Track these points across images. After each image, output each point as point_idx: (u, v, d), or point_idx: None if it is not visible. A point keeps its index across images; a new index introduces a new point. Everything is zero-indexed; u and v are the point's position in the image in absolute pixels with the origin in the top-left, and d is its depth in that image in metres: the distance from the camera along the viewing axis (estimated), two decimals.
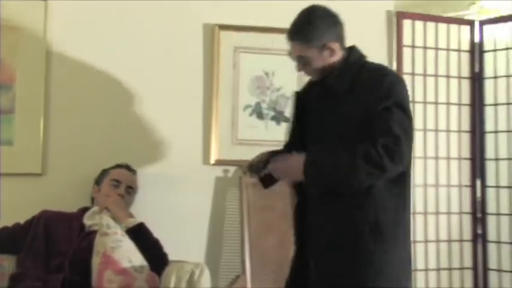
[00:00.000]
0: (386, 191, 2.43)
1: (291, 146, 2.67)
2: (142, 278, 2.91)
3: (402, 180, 2.46)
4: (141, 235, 3.10)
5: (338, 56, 2.51)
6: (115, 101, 3.61)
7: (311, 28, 2.47)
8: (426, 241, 3.89)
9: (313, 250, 2.52)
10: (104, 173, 3.38)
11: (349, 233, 2.42)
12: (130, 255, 2.94)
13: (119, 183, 3.31)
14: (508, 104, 3.97)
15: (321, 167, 2.39)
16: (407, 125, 2.40)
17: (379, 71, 2.52)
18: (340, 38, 2.53)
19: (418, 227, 3.87)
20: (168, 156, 3.63)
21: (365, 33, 3.57)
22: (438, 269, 3.91)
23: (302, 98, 2.68)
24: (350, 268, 2.42)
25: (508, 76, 3.99)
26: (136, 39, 3.65)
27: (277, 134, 3.69)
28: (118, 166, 3.39)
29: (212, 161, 3.67)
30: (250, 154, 3.62)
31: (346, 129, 2.42)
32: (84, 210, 3.24)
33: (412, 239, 3.73)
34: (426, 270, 3.87)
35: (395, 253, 2.45)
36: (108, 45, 3.60)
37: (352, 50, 2.56)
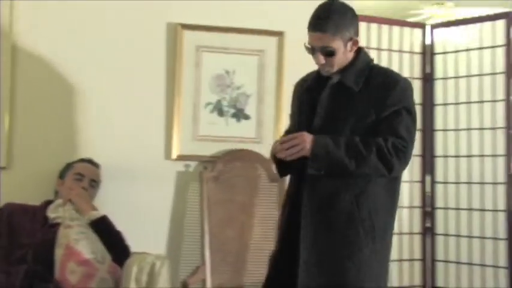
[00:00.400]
0: (381, 192, 2.43)
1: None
2: (104, 269, 2.94)
3: (395, 183, 2.49)
4: (104, 227, 3.12)
5: (352, 53, 2.49)
6: (79, 96, 3.61)
7: (341, 19, 2.39)
8: None
9: (306, 248, 2.42)
10: (68, 166, 3.38)
11: (344, 232, 2.39)
12: (92, 247, 2.97)
13: (82, 176, 3.32)
14: (456, 103, 4.09)
15: (330, 146, 2.34)
16: (413, 130, 2.44)
17: (392, 75, 2.52)
18: (357, 31, 2.49)
19: None
20: (131, 151, 3.64)
21: None
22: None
23: (301, 91, 2.62)
24: (342, 267, 2.38)
25: (456, 77, 4.10)
26: (100, 36, 3.65)
27: (237, 131, 3.76)
28: (81, 160, 3.41)
29: (174, 156, 3.70)
30: (210, 150, 3.72)
31: (357, 127, 2.40)
32: (48, 203, 3.24)
33: None
34: None
35: (385, 254, 2.48)
36: (73, 42, 3.60)
37: (362, 50, 2.54)
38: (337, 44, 2.38)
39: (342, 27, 2.37)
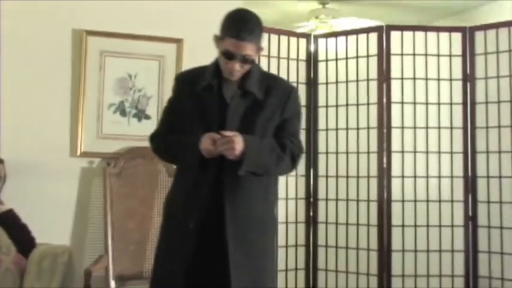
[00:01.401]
0: (275, 187, 2.56)
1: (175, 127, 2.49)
2: (9, 260, 2.95)
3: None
4: (10, 220, 3.13)
5: None
6: None
7: (260, 31, 2.38)
8: None
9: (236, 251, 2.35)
10: None
11: (259, 226, 2.41)
12: None
13: None
14: (336, 106, 4.26)
15: (259, 150, 2.34)
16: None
17: (286, 83, 2.64)
18: None
19: None
20: (37, 148, 3.67)
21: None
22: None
23: (194, 91, 2.45)
24: (261, 265, 2.41)
25: (336, 82, 4.27)
26: (11, 38, 3.65)
27: (139, 130, 3.86)
28: None
29: (78, 153, 3.74)
30: (113, 147, 3.78)
31: (266, 131, 2.42)
32: None
33: None
34: None
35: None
36: None
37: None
38: (253, 53, 2.35)
39: (259, 39, 2.38)
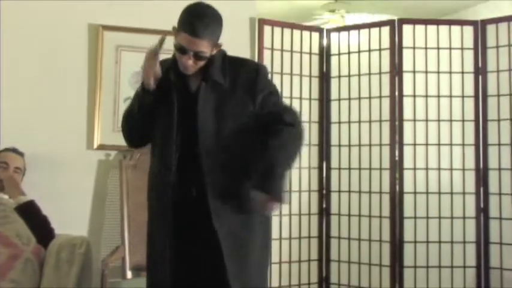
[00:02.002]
0: None
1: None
2: (29, 250, 2.97)
3: None
4: (31, 211, 3.15)
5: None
6: (6, 89, 3.60)
7: (214, 26, 2.28)
8: (280, 215, 4.07)
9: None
10: None
11: (248, 224, 2.35)
12: (18, 230, 2.99)
13: (6, 165, 3.33)
14: (349, 99, 4.26)
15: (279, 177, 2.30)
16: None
17: (250, 63, 2.54)
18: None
19: None
20: (55, 141, 3.69)
21: (231, 36, 3.72)
22: (290, 238, 4.15)
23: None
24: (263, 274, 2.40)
25: (349, 76, 4.26)
26: (29, 34, 3.68)
27: None
28: (6, 150, 3.42)
29: (95, 146, 3.76)
30: None
31: (240, 117, 2.33)
32: None
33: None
34: (280, 239, 4.09)
35: None
36: (2, 40, 3.60)
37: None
38: (208, 49, 2.27)
39: (215, 35, 2.28)
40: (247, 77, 2.37)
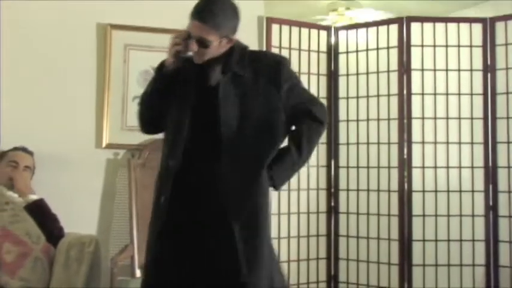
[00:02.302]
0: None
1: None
2: (39, 249, 2.98)
3: None
4: (40, 210, 3.15)
5: (227, 47, 2.34)
6: (16, 88, 3.62)
7: (223, 16, 2.25)
8: (289, 213, 4.11)
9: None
10: (2, 155, 3.40)
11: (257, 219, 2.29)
12: (27, 228, 3.00)
13: (16, 164, 3.33)
14: (357, 97, 4.24)
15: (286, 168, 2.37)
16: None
17: (273, 55, 2.53)
18: (236, 31, 2.35)
19: (282, 202, 4.06)
20: (64, 140, 3.69)
21: (239, 34, 3.72)
22: (298, 237, 4.14)
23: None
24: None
25: (357, 74, 4.25)
26: (37, 32, 3.68)
27: None
28: (15, 149, 3.42)
29: (104, 145, 3.76)
30: (137, 139, 3.78)
31: (265, 108, 2.31)
32: None
33: (277, 212, 4.01)
34: (288, 237, 4.09)
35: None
36: (11, 35, 3.61)
37: (235, 42, 2.37)
38: (213, 38, 2.24)
39: (221, 24, 2.25)
40: (270, 67, 2.35)
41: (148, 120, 2.48)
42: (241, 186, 2.27)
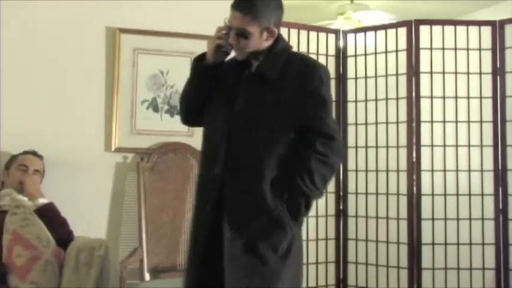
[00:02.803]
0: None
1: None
2: (49, 252, 2.99)
3: None
4: (50, 213, 3.17)
5: (270, 41, 2.31)
6: (25, 92, 3.64)
7: (264, 7, 2.22)
8: None
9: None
10: (13, 158, 3.42)
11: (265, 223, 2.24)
12: (38, 232, 3.00)
13: (26, 167, 3.35)
14: (365, 101, 4.23)
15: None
16: (332, 118, 2.38)
17: (310, 62, 2.37)
18: (279, 25, 2.32)
19: None
20: (73, 144, 3.70)
21: None
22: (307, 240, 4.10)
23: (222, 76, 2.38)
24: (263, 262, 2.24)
25: (365, 77, 4.23)
26: (46, 36, 3.69)
27: (171, 125, 3.86)
28: (25, 152, 3.44)
29: (113, 149, 3.77)
30: (146, 143, 3.80)
31: (281, 112, 2.24)
32: None
33: None
34: None
35: None
36: (21, 45, 3.64)
37: (280, 37, 2.35)
38: (253, 29, 2.22)
39: (262, 15, 2.22)
40: (302, 74, 2.27)
41: (184, 111, 2.50)
42: (242, 196, 2.23)
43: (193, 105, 2.42)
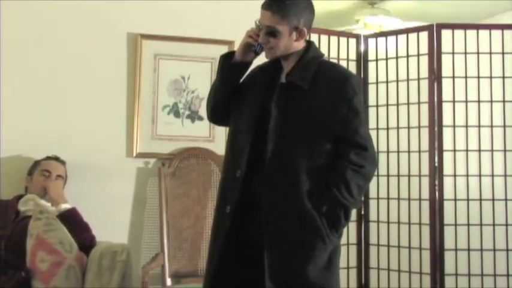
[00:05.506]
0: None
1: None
2: (72, 257, 3.00)
3: None
4: (73, 218, 3.18)
5: (301, 44, 2.32)
6: (49, 98, 3.66)
7: (294, 6, 2.23)
8: None
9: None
10: (36, 164, 3.44)
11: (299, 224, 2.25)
12: (61, 237, 3.02)
13: (49, 173, 3.37)
14: (387, 105, 4.19)
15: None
16: (366, 127, 2.41)
17: (341, 71, 2.38)
18: (310, 27, 2.33)
19: None
20: (95, 149, 3.71)
21: None
22: None
23: (254, 80, 2.42)
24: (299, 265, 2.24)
25: (387, 82, 4.21)
26: (68, 43, 3.72)
27: (192, 131, 3.86)
28: (48, 158, 3.46)
29: (134, 154, 3.78)
30: (168, 148, 3.80)
31: (312, 121, 2.24)
32: (19, 197, 3.30)
33: None
34: None
35: None
36: (44, 46, 3.67)
37: (312, 45, 2.38)
38: (282, 28, 2.22)
39: (291, 14, 2.22)
40: (334, 83, 2.26)
41: (210, 108, 2.51)
42: (279, 204, 2.23)
43: (218, 102, 2.45)
